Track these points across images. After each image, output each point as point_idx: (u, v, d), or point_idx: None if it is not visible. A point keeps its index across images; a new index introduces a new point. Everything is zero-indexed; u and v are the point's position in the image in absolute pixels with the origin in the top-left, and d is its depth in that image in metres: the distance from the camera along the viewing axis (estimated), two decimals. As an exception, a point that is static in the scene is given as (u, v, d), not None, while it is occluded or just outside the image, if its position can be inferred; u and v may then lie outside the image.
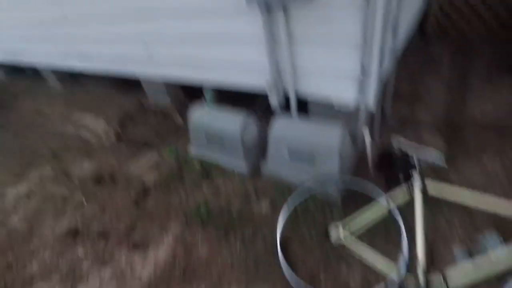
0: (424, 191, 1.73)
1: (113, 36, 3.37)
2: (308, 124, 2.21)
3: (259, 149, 2.65)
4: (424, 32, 4.34)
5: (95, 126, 3.76)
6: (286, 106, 2.61)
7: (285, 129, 2.25)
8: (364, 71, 2.07)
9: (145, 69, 3.52)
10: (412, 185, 1.79)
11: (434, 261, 1.82)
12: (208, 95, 3.19)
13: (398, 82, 3.07)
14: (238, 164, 2.54)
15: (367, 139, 2.20)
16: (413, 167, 1.87)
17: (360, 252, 1.79)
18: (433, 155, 1.85)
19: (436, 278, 1.46)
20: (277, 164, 2.38)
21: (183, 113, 3.65)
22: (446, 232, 1.95)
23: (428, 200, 1.69)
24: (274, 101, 2.57)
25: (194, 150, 2.86)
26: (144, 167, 2.95)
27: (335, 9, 1.96)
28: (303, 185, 2.27)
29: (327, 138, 2.05)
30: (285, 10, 2.09)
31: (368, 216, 1.84)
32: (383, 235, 1.93)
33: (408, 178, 1.85)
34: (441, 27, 4.18)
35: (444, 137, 2.59)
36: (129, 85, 4.58)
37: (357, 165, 2.41)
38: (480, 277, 1.38)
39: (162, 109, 3.86)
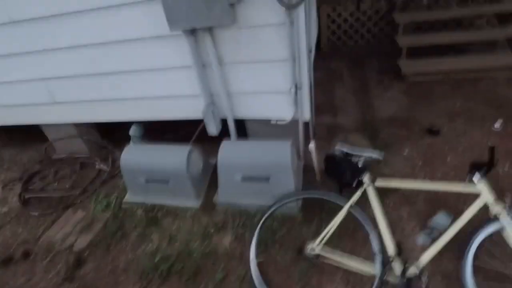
0: (374, 185, 1.90)
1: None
2: (255, 145, 2.22)
3: (206, 180, 2.51)
4: (319, 50, 4.96)
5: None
6: (223, 129, 2.57)
7: (233, 154, 2.20)
8: (297, 84, 2.21)
9: (47, 114, 3.00)
10: (362, 182, 1.95)
11: (402, 249, 1.98)
12: (134, 132, 2.89)
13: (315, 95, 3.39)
14: (188, 201, 2.35)
15: (312, 149, 2.33)
16: (358, 166, 2.05)
17: (335, 258, 1.82)
18: (372, 152, 2.08)
19: (411, 265, 1.60)
20: (230, 192, 2.29)
21: (103, 156, 3.22)
22: (401, 219, 2.15)
23: (378, 193, 1.86)
24: (212, 128, 2.50)
25: (131, 196, 2.52)
26: (69, 231, 2.44)
27: (260, 28, 2.06)
28: (261, 208, 2.24)
29: (279, 155, 2.09)
30: (211, 32, 2.09)
31: (334, 221, 1.90)
32: (350, 236, 2.02)
33: (355, 176, 2.02)
34: (332, 45, 4.86)
35: (366, 137, 2.95)
36: (21, 136, 3.82)
37: (303, 176, 2.52)
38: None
39: (75, 156, 3.32)
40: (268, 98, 2.35)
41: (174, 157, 2.22)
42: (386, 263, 1.65)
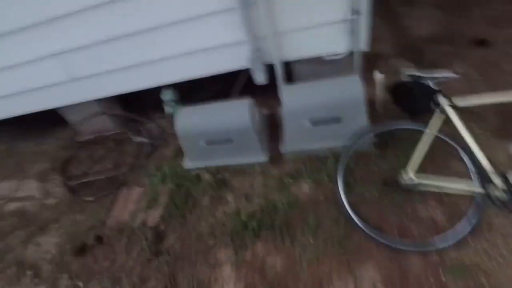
0: (454, 106, 1.81)
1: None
2: (321, 85, 2.05)
3: (266, 132, 2.39)
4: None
5: (28, 189, 2.81)
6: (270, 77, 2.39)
7: (299, 98, 2.04)
8: (354, 10, 1.99)
9: (67, 94, 2.72)
10: (439, 105, 1.85)
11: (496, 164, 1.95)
12: (168, 96, 2.67)
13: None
14: (255, 156, 2.24)
15: (378, 78, 2.19)
16: (431, 88, 1.94)
17: (433, 183, 1.79)
18: (446, 72, 1.95)
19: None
20: (297, 139, 2.19)
21: (134, 129, 3.03)
22: (486, 135, 2.09)
23: (460, 112, 1.78)
24: (260, 76, 2.30)
25: (191, 162, 2.40)
26: (134, 208, 2.36)
27: None
28: (332, 150, 2.17)
29: (350, 91, 1.95)
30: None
31: (419, 148, 1.84)
32: (438, 161, 1.97)
33: (430, 100, 1.92)
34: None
35: (411, 61, 2.80)
36: (36, 126, 3.56)
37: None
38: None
39: (104, 135, 3.12)
40: (322, 31, 2.12)
41: (236, 112, 2.05)
42: (485, 179, 1.62)
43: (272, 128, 2.43)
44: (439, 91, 1.93)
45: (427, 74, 2.00)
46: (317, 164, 2.18)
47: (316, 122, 2.04)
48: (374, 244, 1.74)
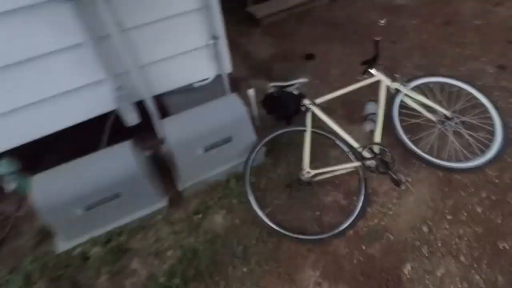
0: (316, 104, 2.15)
1: None
2: (202, 110, 1.99)
3: (157, 173, 2.11)
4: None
5: None
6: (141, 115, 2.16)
7: (184, 129, 1.91)
8: (213, 35, 2.07)
9: None
10: (306, 106, 2.16)
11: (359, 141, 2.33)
12: (7, 168, 1.97)
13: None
14: (151, 204, 1.92)
15: (251, 95, 2.32)
16: (294, 94, 2.24)
17: (326, 171, 1.99)
18: (298, 79, 2.30)
19: (373, 146, 1.97)
20: (193, 171, 2.03)
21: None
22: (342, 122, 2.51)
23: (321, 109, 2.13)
24: (131, 116, 2.05)
25: (68, 241, 1.81)
26: None
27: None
28: (230, 171, 2.13)
29: (233, 109, 1.98)
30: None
31: (306, 146, 2.05)
32: (320, 152, 2.23)
33: (299, 104, 2.22)
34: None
35: (265, 78, 3.17)
36: None
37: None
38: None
39: None
40: (187, 59, 2.10)
41: (117, 160, 1.70)
42: (358, 154, 1.97)
43: (160, 168, 2.17)
44: (303, 95, 2.24)
45: (287, 83, 2.30)
46: (221, 190, 2.09)
47: (208, 148, 1.96)
48: (302, 244, 1.78)
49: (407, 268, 1.63)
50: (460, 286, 1.54)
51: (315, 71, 3.15)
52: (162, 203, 1.96)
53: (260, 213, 1.85)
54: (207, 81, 2.28)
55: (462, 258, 1.63)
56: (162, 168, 2.17)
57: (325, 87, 2.91)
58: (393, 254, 1.69)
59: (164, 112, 2.35)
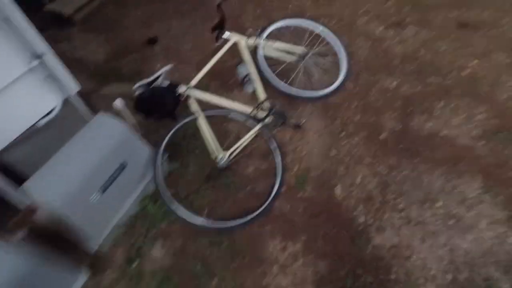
0: (192, 87, 2.03)
1: None
2: (73, 148, 1.56)
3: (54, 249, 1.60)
4: None
5: None
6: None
7: (62, 180, 1.46)
8: (35, 54, 1.56)
9: None
10: (184, 93, 2.01)
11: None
12: None
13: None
14: (70, 284, 1.48)
15: (119, 106, 1.95)
16: (168, 87, 2.04)
17: (237, 146, 1.95)
18: (161, 68, 2.07)
19: (263, 104, 2.03)
20: (97, 220, 1.65)
21: None
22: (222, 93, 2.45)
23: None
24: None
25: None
26: None
27: None
28: (136, 202, 1.84)
29: (111, 130, 1.63)
30: None
31: (206, 133, 1.93)
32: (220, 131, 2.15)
33: (175, 94, 2.03)
34: None
35: (118, 80, 2.72)
36: None
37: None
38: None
39: None
40: (12, 96, 1.53)
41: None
42: (255, 117, 2.00)
43: (52, 240, 1.66)
44: (175, 83, 2.04)
45: (152, 78, 2.04)
46: (143, 222, 1.80)
47: (104, 187, 1.60)
48: (252, 225, 1.76)
49: (338, 190, 1.87)
50: (374, 180, 1.89)
51: (167, 54, 2.91)
52: (84, 276, 1.54)
53: (198, 220, 1.71)
54: (54, 112, 1.77)
55: (365, 160, 1.98)
56: (55, 239, 1.67)
57: (186, 65, 2.75)
58: (323, 186, 1.90)
59: (13, 175, 1.74)
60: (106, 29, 3.27)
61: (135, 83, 2.59)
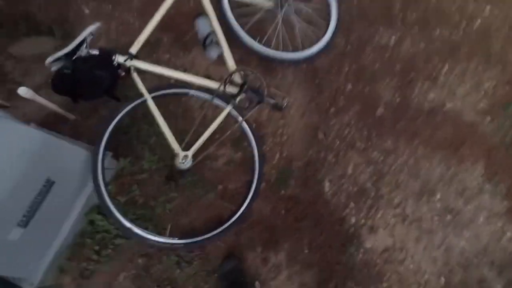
0: (133, 56, 1.48)
1: None
2: None
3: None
4: None
5: None
6: None
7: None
8: None
9: None
10: (122, 65, 1.46)
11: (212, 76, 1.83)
12: None
13: None
14: None
15: (24, 92, 1.38)
16: (94, 56, 1.46)
17: (202, 139, 1.55)
18: (85, 31, 1.46)
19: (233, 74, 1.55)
20: (28, 256, 1.28)
21: None
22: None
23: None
24: None
25: None
26: None
27: None
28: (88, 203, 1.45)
29: (20, 140, 1.13)
30: None
31: (161, 122, 1.48)
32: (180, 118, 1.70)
33: (109, 66, 1.48)
34: None
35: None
36: None
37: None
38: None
39: None
40: None
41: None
42: (224, 95, 1.55)
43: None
44: (110, 51, 1.47)
45: (72, 45, 1.43)
46: (92, 242, 1.45)
47: (27, 217, 1.18)
48: (221, 242, 1.48)
49: (326, 185, 1.60)
50: (367, 170, 1.63)
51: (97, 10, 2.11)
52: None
53: (160, 238, 1.39)
54: None
55: (358, 144, 1.68)
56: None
57: (125, 11, 2.03)
58: (309, 180, 1.61)
59: None
60: None
61: (55, 37, 1.96)
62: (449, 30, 1.93)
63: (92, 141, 1.54)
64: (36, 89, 1.71)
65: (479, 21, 1.95)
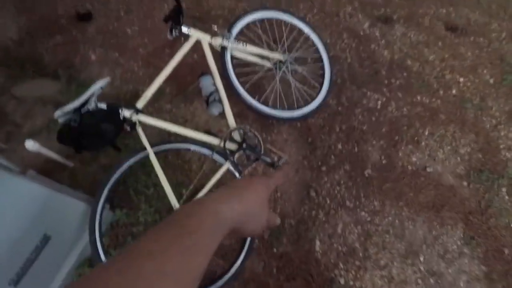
0: (139, 110, 1.55)
1: None
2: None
3: None
4: None
5: None
6: None
7: None
8: None
9: None
10: (128, 119, 1.53)
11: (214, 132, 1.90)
12: None
13: None
14: None
15: (31, 147, 1.41)
16: (103, 111, 1.52)
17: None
18: (95, 84, 1.52)
19: (234, 132, 1.63)
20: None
21: None
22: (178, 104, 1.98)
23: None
24: None
25: None
26: None
27: None
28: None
29: (15, 194, 1.14)
30: None
31: (160, 174, 1.52)
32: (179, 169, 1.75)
33: (116, 121, 1.54)
34: None
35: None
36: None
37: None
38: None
39: None
40: None
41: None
42: (223, 151, 1.62)
43: None
44: (116, 106, 1.54)
45: (80, 100, 1.49)
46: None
47: (18, 276, 1.16)
48: None
49: (317, 245, 1.65)
50: (356, 230, 1.70)
51: (104, 39, 2.22)
52: None
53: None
54: None
55: (347, 203, 1.77)
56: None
57: (131, 61, 2.13)
58: (301, 238, 1.66)
59: None
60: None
61: (60, 80, 2.01)
62: (428, 97, 2.12)
63: (90, 191, 1.56)
64: (37, 133, 1.75)
65: (454, 91, 2.17)
